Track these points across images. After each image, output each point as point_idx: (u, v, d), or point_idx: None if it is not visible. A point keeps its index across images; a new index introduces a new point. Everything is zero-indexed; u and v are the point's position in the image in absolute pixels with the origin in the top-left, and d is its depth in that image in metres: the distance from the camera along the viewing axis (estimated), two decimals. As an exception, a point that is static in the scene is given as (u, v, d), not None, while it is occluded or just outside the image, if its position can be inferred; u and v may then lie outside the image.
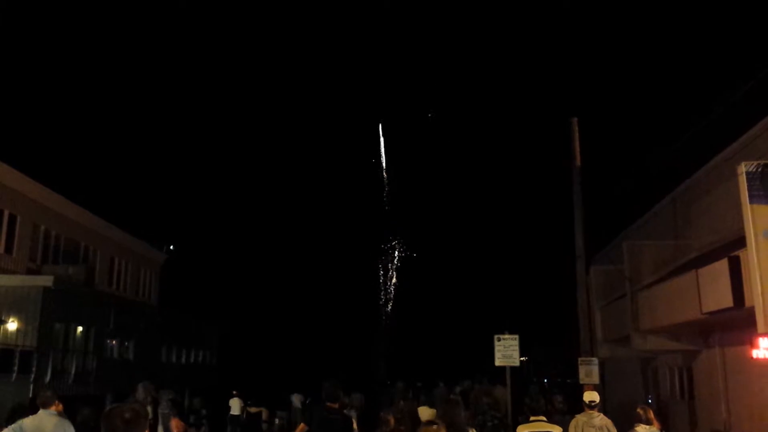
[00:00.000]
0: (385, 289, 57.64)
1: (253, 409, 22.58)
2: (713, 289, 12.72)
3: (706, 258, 13.86)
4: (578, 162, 17.68)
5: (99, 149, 50.46)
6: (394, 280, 57.40)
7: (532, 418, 8.71)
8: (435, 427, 6.49)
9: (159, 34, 70.40)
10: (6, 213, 23.36)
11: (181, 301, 39.99)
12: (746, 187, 10.76)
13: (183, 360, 33.45)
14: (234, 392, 22.58)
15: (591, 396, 9.48)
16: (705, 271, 13.20)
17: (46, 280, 20.78)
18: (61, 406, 8.63)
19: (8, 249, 23.50)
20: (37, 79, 48.93)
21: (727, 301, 12.02)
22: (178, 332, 32.33)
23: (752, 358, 11.31)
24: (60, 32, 58.14)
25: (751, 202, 10.70)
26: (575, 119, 18.09)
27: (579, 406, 9.89)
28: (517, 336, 16.51)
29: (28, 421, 7.96)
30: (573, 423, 9.35)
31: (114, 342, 25.98)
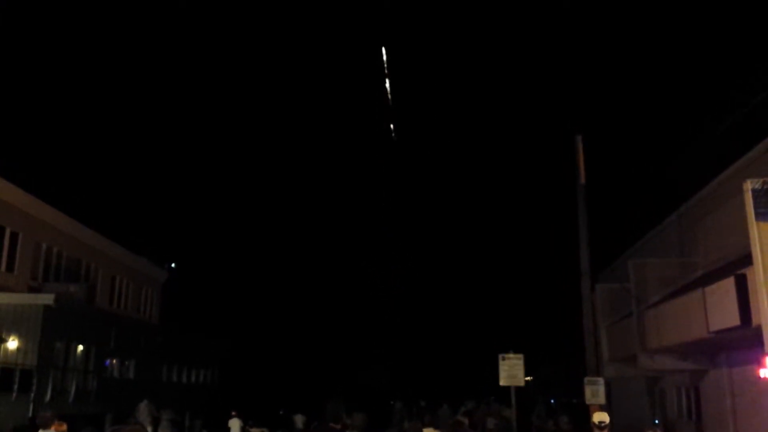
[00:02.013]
0: (389, 308, 57.41)
1: (254, 430, 22.36)
2: (720, 307, 12.57)
3: (713, 276, 13.73)
4: (583, 179, 17.60)
5: (102, 167, 50.58)
6: (397, 298, 57.19)
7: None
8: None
9: (150, 45, 70.81)
10: (8, 231, 23.32)
11: (183, 320, 39.81)
12: (752, 204, 10.64)
13: (184, 379, 33.23)
14: (233, 413, 22.33)
15: (601, 417, 9.32)
16: (712, 290, 13.06)
17: (46, 299, 20.69)
18: (65, 426, 8.51)
19: (9, 267, 23.43)
20: (36, 96, 49.14)
21: (734, 319, 11.86)
22: (179, 351, 32.15)
23: (760, 377, 11.14)
24: (56, 44, 58.56)
25: (757, 220, 10.57)
26: (580, 136, 18.05)
27: (585, 427, 9.73)
28: (522, 355, 16.35)
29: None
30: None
31: (115, 361, 25.82)
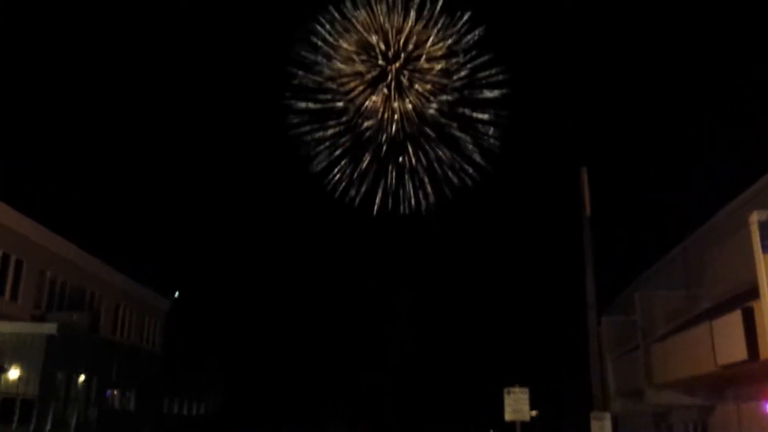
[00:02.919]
0: (394, 340, 57.04)
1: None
2: (727, 341, 12.41)
3: (719, 309, 13.58)
4: (588, 211, 17.57)
5: (106, 195, 50.84)
6: (402, 330, 56.83)
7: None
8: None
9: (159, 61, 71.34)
10: (12, 258, 23.34)
11: (186, 349, 39.53)
12: (758, 236, 10.59)
13: (185, 410, 32.89)
14: None
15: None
16: (719, 323, 12.91)
17: (50, 328, 20.62)
18: None
19: (13, 295, 23.40)
20: (39, 122, 49.48)
21: (742, 353, 11.71)
22: (181, 381, 31.89)
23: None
24: (62, 67, 59.14)
25: (764, 252, 10.51)
26: (585, 168, 18.06)
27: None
28: (527, 389, 16.15)
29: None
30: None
31: (116, 392, 25.60)
